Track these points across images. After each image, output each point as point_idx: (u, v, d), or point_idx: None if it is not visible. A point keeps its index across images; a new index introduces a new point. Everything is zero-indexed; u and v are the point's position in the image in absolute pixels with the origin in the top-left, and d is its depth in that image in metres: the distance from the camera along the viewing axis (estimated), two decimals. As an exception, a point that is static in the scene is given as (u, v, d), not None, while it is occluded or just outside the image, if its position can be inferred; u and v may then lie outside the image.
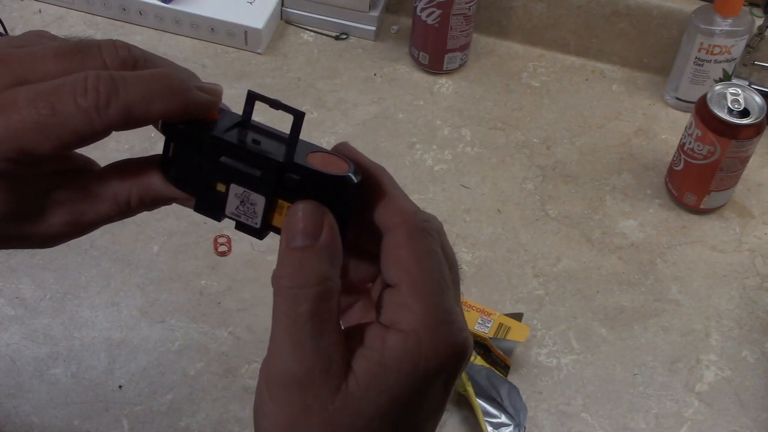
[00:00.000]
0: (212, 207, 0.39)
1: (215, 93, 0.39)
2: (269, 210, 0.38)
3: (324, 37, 1.08)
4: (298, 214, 0.36)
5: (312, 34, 1.08)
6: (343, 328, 0.37)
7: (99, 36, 1.05)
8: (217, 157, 0.38)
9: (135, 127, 0.37)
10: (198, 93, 0.38)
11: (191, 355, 0.77)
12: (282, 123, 0.40)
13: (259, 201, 0.38)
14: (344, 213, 0.38)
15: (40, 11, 1.08)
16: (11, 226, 0.40)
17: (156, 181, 0.40)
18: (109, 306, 0.80)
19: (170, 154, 0.40)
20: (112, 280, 0.82)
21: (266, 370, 0.36)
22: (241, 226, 0.39)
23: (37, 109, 0.35)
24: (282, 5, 1.08)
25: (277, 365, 0.35)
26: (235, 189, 0.38)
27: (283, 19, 1.09)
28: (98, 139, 0.37)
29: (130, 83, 0.36)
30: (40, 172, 0.40)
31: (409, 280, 0.36)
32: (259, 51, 1.05)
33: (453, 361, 0.36)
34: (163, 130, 0.39)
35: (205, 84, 0.39)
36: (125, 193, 0.40)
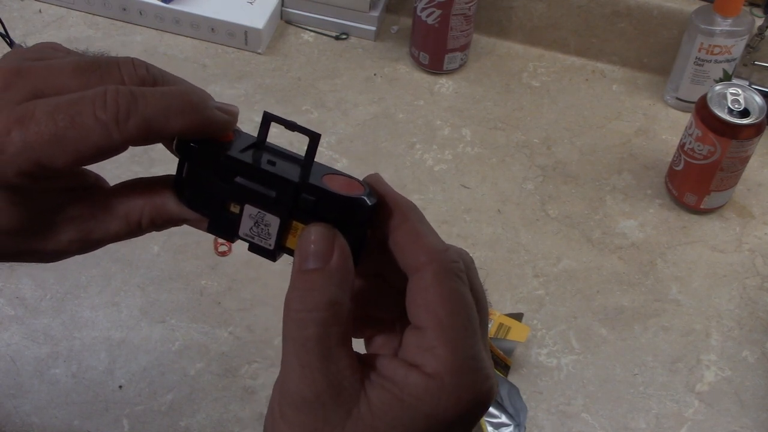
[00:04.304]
0: (226, 228, 0.39)
1: (231, 113, 0.39)
2: (283, 231, 0.38)
3: (324, 37, 1.08)
4: (311, 236, 0.36)
5: (312, 34, 1.08)
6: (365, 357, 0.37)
7: (99, 36, 1.05)
8: (232, 177, 0.38)
9: (152, 143, 0.37)
10: (215, 111, 0.38)
11: (191, 355, 0.77)
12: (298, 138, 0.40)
13: (274, 222, 0.38)
14: (359, 236, 0.38)
15: (40, 11, 1.08)
16: (20, 240, 0.39)
17: (169, 202, 0.40)
18: (110, 306, 0.80)
19: (184, 175, 0.39)
20: (113, 280, 0.82)
21: (279, 390, 0.36)
22: (254, 248, 0.39)
23: (56, 121, 0.35)
24: (282, 5, 1.08)
25: (289, 387, 0.35)
26: (249, 210, 0.38)
27: (283, 19, 1.09)
28: (115, 154, 0.37)
29: (150, 98, 0.36)
30: (52, 188, 0.39)
31: (436, 324, 0.35)
32: (259, 51, 1.05)
33: (474, 410, 0.35)
34: (178, 150, 0.39)
35: (222, 104, 0.39)
36: (137, 212, 0.40)
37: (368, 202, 0.37)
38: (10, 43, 0.99)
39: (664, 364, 0.80)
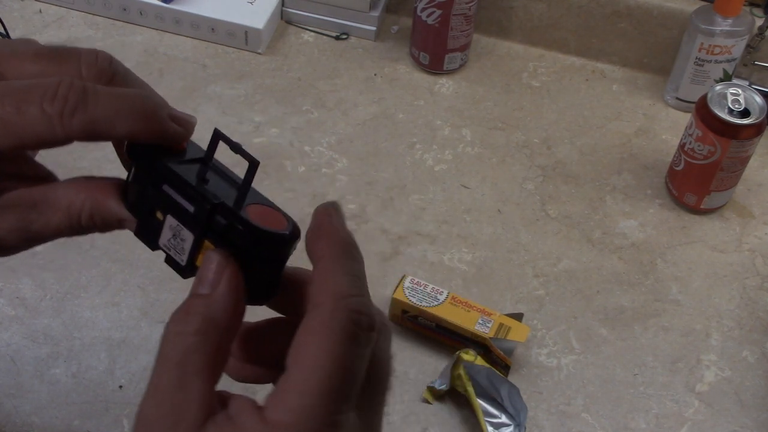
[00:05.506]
0: (149, 234, 0.39)
1: (186, 125, 0.38)
2: (195, 250, 0.37)
3: (324, 37, 1.08)
4: (207, 261, 0.35)
5: (312, 34, 1.08)
6: None
7: (99, 36, 1.05)
8: (162, 185, 0.37)
9: (98, 141, 0.37)
10: (167, 122, 0.37)
11: (191, 355, 0.77)
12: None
13: (188, 238, 0.37)
14: (270, 270, 0.36)
15: (40, 11, 1.08)
16: None
17: (110, 200, 0.39)
18: (110, 306, 0.80)
19: (130, 178, 0.39)
20: (113, 280, 0.82)
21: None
22: (169, 261, 0.38)
23: (3, 105, 0.35)
24: (282, 5, 1.08)
25: (141, 404, 0.34)
26: (170, 221, 0.37)
27: (283, 19, 1.09)
28: (59, 146, 0.36)
29: (101, 98, 0.36)
30: None
31: (299, 371, 0.32)
32: (259, 51, 1.05)
33: None
34: (127, 152, 0.39)
35: (179, 114, 0.38)
36: (78, 206, 0.39)
37: (278, 237, 0.36)
38: (10, 43, 0.99)
39: (664, 364, 0.80)
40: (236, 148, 0.37)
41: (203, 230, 0.36)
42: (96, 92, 0.36)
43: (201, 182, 0.37)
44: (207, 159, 0.39)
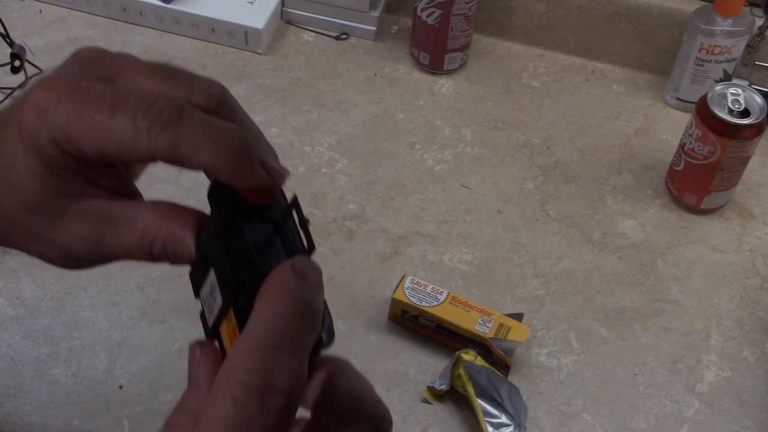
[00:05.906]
0: (196, 280, 0.37)
1: (276, 175, 0.36)
2: (221, 315, 0.35)
3: (324, 37, 1.08)
4: (190, 351, 0.35)
5: (312, 34, 1.08)
6: None
7: (99, 36, 1.05)
8: (219, 237, 0.35)
9: (181, 167, 0.36)
10: (254, 166, 0.35)
11: (191, 355, 0.77)
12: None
13: (218, 300, 0.35)
14: None
15: (40, 11, 1.08)
16: (32, 217, 0.38)
17: (186, 233, 0.38)
18: (110, 306, 0.80)
19: (210, 215, 0.38)
20: (113, 280, 0.82)
21: None
22: (202, 316, 0.37)
23: (98, 107, 0.35)
24: (282, 5, 1.08)
25: None
26: (212, 276, 0.36)
27: (283, 19, 1.09)
28: (143, 161, 0.36)
29: (195, 121, 0.35)
30: (82, 173, 0.38)
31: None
32: (259, 51, 1.05)
33: None
34: (210, 190, 0.37)
35: (272, 163, 0.36)
36: (154, 231, 0.38)
37: None
38: (11, 44, 0.99)
39: (664, 364, 0.80)
40: (303, 224, 0.35)
41: (230, 299, 0.34)
42: (192, 115, 0.35)
43: (257, 248, 0.35)
44: (280, 223, 0.36)
